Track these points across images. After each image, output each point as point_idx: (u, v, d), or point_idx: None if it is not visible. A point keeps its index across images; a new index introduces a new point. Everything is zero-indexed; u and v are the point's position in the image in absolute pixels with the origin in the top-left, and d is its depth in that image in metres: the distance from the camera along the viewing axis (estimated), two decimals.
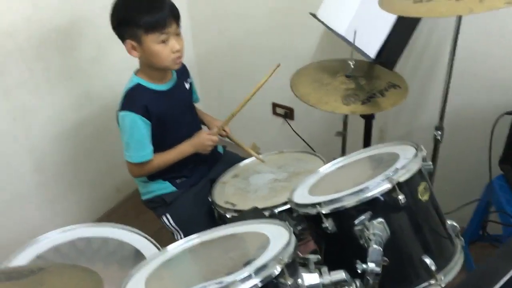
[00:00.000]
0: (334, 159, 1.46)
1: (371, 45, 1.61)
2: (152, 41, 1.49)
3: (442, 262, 1.12)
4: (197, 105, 1.89)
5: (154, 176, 1.69)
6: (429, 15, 1.22)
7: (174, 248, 1.14)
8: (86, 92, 2.10)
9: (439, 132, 1.59)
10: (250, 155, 1.76)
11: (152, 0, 1.50)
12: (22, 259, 1.24)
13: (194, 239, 1.16)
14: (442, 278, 1.09)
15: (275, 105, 2.51)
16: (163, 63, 1.54)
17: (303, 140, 2.41)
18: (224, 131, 1.74)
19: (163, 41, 1.49)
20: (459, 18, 1.40)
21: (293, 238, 0.97)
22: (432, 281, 1.09)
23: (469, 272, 1.78)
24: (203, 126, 1.83)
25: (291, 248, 0.93)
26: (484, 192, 1.77)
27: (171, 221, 1.69)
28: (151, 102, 1.57)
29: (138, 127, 1.56)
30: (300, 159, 1.74)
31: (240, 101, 1.67)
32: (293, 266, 0.95)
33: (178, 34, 1.54)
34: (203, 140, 1.66)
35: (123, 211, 2.41)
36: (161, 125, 1.61)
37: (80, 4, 1.96)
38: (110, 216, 2.37)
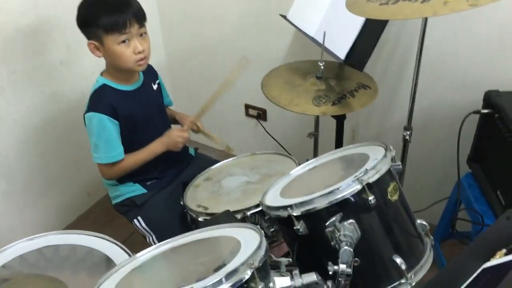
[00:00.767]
0: (307, 160, 1.47)
1: (341, 47, 1.63)
2: (113, 42, 1.47)
3: (413, 261, 1.14)
4: (170, 108, 1.87)
5: (124, 178, 1.67)
6: (394, 18, 1.24)
7: (144, 254, 1.12)
8: (53, 95, 2.06)
9: (408, 132, 1.62)
10: (222, 146, 1.74)
11: (115, 0, 1.48)
12: None
13: (165, 245, 1.14)
14: (413, 276, 1.11)
15: (247, 106, 2.51)
16: (126, 64, 1.53)
17: (276, 141, 2.41)
18: (196, 126, 1.72)
19: (124, 42, 1.48)
20: (425, 20, 1.43)
21: (264, 242, 0.97)
22: (403, 280, 1.10)
23: (440, 269, 1.81)
24: (176, 126, 1.81)
25: (262, 252, 0.93)
26: (453, 190, 1.80)
27: (143, 224, 1.67)
28: (118, 102, 1.55)
29: (106, 127, 1.54)
30: (273, 160, 1.74)
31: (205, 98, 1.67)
32: (264, 270, 0.94)
33: (142, 35, 1.52)
34: (174, 137, 1.65)
35: (95, 217, 2.37)
36: (130, 126, 1.60)
37: (45, 7, 1.92)
38: (81, 222, 2.33)
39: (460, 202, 1.73)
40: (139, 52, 1.51)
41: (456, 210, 1.72)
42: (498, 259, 0.85)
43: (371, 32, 1.58)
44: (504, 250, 0.86)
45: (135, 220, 1.68)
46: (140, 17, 1.50)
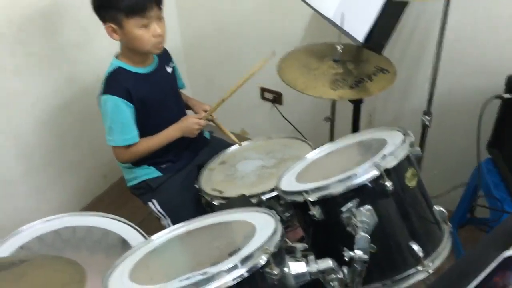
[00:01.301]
0: (323, 145, 1.45)
1: (359, 29, 1.59)
2: (134, 26, 1.46)
3: (430, 248, 1.12)
4: (184, 91, 1.86)
5: (139, 161, 1.67)
6: None
7: (159, 237, 1.12)
8: (70, 78, 2.06)
9: (427, 117, 1.59)
10: (230, 139, 1.72)
11: None
12: (5, 250, 1.23)
13: (180, 228, 1.14)
14: (430, 264, 1.10)
15: (263, 90, 2.48)
16: (144, 47, 1.52)
17: (292, 125, 2.39)
18: (212, 117, 1.71)
19: (145, 26, 1.47)
20: (447, 2, 1.38)
21: (280, 227, 0.96)
22: (420, 267, 1.09)
23: (457, 256, 1.80)
24: (188, 111, 1.80)
25: (277, 238, 0.92)
26: (472, 176, 1.77)
27: (158, 207, 1.68)
28: (133, 85, 1.55)
29: (121, 110, 1.54)
30: (288, 145, 1.73)
31: (227, 87, 1.65)
32: (280, 255, 0.94)
33: (160, 19, 1.51)
34: (190, 124, 1.64)
35: (111, 199, 2.38)
36: (144, 109, 1.59)
37: None
38: (97, 204, 2.35)
39: (479, 188, 1.71)
40: (158, 35, 1.51)
41: (476, 196, 1.69)
42: None
43: (391, 14, 1.54)
44: None
45: (150, 203, 1.69)
46: (159, 0, 1.49)
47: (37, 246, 1.26)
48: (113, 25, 1.48)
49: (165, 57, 1.70)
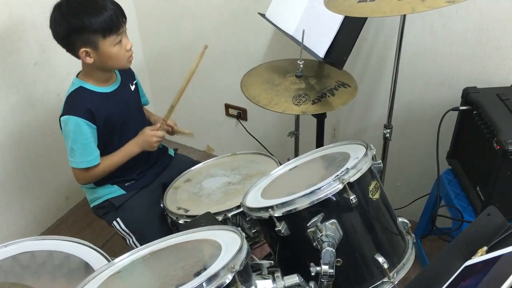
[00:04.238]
0: (289, 160, 1.46)
1: (320, 45, 1.62)
2: (109, 44, 1.45)
3: (395, 260, 1.14)
4: (148, 107, 1.84)
5: (102, 180, 1.63)
6: (373, 15, 1.23)
7: (122, 259, 1.09)
8: (28, 97, 2.01)
9: (388, 130, 1.62)
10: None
11: (98, 2, 1.43)
12: None
13: (144, 250, 1.12)
14: (395, 275, 1.11)
15: (228, 106, 2.49)
16: (120, 64, 1.52)
17: (257, 140, 2.40)
18: (169, 126, 1.69)
19: (118, 42, 1.46)
20: (403, 17, 1.43)
21: (245, 244, 0.95)
22: (385, 279, 1.10)
23: (422, 266, 1.83)
24: None
25: (243, 255, 0.91)
26: (433, 187, 1.81)
27: (122, 225, 1.64)
28: (95, 105, 1.52)
29: (82, 131, 1.50)
30: (254, 160, 1.72)
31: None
32: (246, 273, 0.93)
33: (126, 32, 1.51)
34: (147, 137, 1.62)
35: (74, 220, 2.32)
36: (108, 128, 1.56)
37: (18, 7, 1.87)
38: (60, 226, 2.28)
39: (441, 198, 1.75)
40: (130, 49, 1.51)
41: (437, 207, 1.73)
42: (480, 256, 0.85)
43: (350, 30, 1.57)
44: (485, 248, 0.86)
45: (115, 222, 1.65)
46: (123, 13, 1.49)
47: None
48: (87, 49, 1.45)
49: (128, 74, 1.68)
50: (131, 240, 1.64)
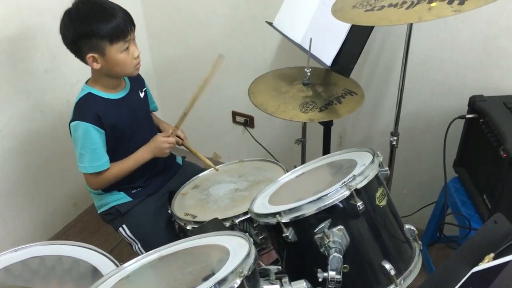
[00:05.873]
0: (296, 167, 1.47)
1: (327, 53, 1.63)
2: (116, 51, 1.46)
3: (401, 266, 1.14)
4: (156, 114, 1.86)
5: (109, 187, 1.65)
6: (379, 24, 1.24)
7: (131, 264, 1.10)
8: (38, 104, 2.03)
9: (395, 138, 1.62)
10: (205, 164, 1.73)
11: (107, 9, 1.46)
12: None
13: (152, 254, 1.13)
14: (402, 282, 1.11)
15: (235, 114, 2.50)
16: (127, 71, 1.53)
17: (264, 148, 2.41)
18: (178, 137, 1.70)
19: (125, 49, 1.48)
20: (410, 26, 1.44)
21: (253, 249, 0.96)
22: (392, 286, 1.11)
23: (429, 273, 1.82)
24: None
25: (250, 260, 0.92)
26: (440, 194, 1.81)
27: (128, 232, 1.65)
28: (103, 111, 1.53)
29: (91, 137, 1.52)
30: (261, 167, 1.73)
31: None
32: (254, 278, 0.93)
33: (134, 39, 1.52)
34: (159, 143, 1.63)
35: (82, 225, 2.34)
36: (116, 134, 1.58)
37: (29, 14, 1.90)
38: (68, 232, 2.29)
39: (447, 206, 1.75)
40: (137, 57, 1.52)
41: (444, 215, 1.73)
42: (487, 263, 0.85)
43: (357, 38, 1.58)
44: (492, 254, 0.87)
45: (121, 229, 1.66)
46: (132, 21, 1.50)
47: (4, 277, 1.22)
48: (94, 55, 1.46)
49: (137, 81, 1.70)
50: (136, 247, 1.66)
